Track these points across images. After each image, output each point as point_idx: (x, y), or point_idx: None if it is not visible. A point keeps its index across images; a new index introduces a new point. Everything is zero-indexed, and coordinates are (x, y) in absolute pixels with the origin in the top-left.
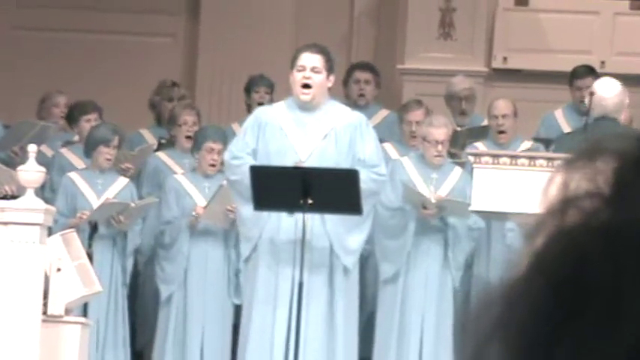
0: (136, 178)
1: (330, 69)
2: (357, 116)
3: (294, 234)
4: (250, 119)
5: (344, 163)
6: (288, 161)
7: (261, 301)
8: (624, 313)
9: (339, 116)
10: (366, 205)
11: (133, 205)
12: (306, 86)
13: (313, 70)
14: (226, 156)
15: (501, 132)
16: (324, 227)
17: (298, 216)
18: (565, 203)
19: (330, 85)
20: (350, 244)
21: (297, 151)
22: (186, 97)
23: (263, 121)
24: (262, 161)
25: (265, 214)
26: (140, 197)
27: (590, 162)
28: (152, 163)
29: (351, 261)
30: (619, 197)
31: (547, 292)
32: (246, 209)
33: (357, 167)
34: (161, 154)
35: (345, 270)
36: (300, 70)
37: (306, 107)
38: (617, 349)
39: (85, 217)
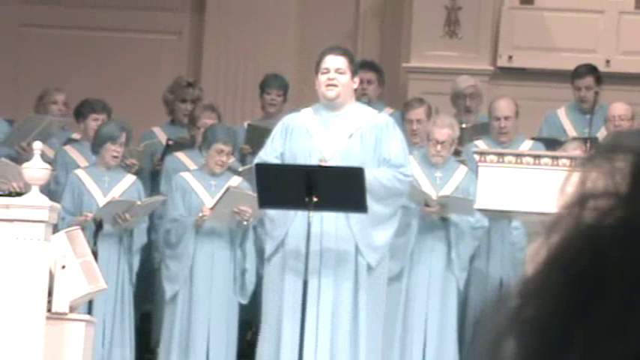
0: (152, 177)
1: (354, 71)
2: (384, 117)
3: (319, 235)
4: (278, 126)
5: (370, 163)
6: (313, 161)
7: (288, 305)
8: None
9: (365, 117)
10: (392, 204)
11: (138, 203)
12: (331, 86)
13: (337, 71)
14: (256, 161)
15: (502, 133)
16: (348, 226)
17: (327, 218)
18: (582, 200)
19: (355, 86)
20: (375, 241)
21: (322, 150)
22: (202, 98)
23: (290, 125)
24: (289, 162)
25: (292, 214)
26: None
27: (608, 159)
28: (171, 162)
29: (376, 258)
30: (636, 194)
31: (564, 286)
32: (272, 210)
33: (382, 167)
34: (180, 154)
35: (369, 268)
36: (324, 73)
37: (331, 107)
38: (634, 343)
39: (90, 216)
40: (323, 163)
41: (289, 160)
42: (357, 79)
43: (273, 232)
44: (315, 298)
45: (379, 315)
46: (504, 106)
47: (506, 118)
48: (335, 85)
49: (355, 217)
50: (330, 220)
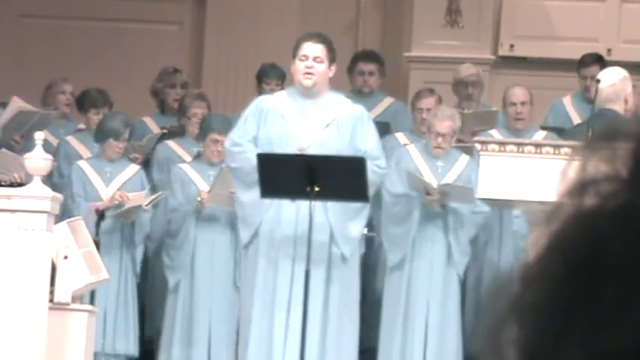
0: (144, 166)
1: (332, 59)
2: (359, 109)
3: (294, 223)
4: (251, 107)
5: (345, 153)
6: (290, 149)
7: (261, 293)
8: None
9: (340, 107)
10: None
11: (144, 207)
12: (308, 74)
13: (315, 59)
14: (227, 143)
15: (518, 119)
16: (326, 216)
17: (303, 206)
18: (583, 186)
19: (331, 74)
20: (351, 232)
21: (299, 138)
22: (189, 84)
23: (264, 108)
24: (264, 148)
25: (266, 202)
26: (151, 185)
27: (608, 145)
28: (162, 151)
29: (350, 249)
30: (636, 180)
31: (564, 273)
32: (245, 195)
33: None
34: (171, 143)
35: (343, 259)
36: (302, 60)
37: (307, 94)
38: (632, 331)
39: (101, 205)
40: (301, 151)
41: (264, 145)
42: (333, 68)
43: (248, 220)
44: (288, 288)
45: (352, 306)
46: (520, 92)
47: (522, 103)
48: (312, 74)
49: (333, 208)
50: (305, 209)
